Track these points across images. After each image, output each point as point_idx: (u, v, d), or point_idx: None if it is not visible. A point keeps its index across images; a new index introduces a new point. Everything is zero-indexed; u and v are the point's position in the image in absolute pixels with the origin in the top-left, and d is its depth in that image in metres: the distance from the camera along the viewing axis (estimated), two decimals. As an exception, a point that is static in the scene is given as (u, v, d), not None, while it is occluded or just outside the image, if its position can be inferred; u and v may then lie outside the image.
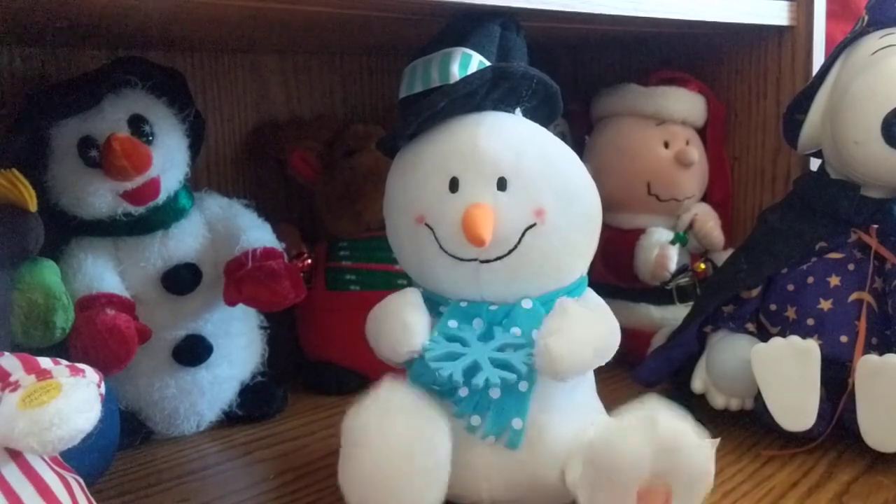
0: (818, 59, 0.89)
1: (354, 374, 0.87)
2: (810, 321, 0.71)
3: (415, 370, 0.58)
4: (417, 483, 0.53)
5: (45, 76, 0.79)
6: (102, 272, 0.71)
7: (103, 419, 0.46)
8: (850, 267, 0.71)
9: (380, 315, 0.60)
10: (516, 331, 0.57)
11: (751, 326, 0.75)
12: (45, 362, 0.47)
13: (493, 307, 0.58)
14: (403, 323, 0.58)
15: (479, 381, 0.54)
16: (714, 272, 0.91)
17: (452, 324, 0.58)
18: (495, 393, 0.56)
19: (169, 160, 0.73)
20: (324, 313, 0.88)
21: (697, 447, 0.50)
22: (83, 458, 0.52)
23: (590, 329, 0.56)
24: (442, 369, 0.54)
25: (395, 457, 0.52)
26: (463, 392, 0.57)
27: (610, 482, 0.50)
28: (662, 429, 0.49)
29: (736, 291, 0.75)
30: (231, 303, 0.73)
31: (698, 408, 0.77)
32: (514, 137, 0.58)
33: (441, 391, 0.57)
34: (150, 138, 0.72)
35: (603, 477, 0.50)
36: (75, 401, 0.44)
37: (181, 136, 0.76)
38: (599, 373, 0.62)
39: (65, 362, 0.47)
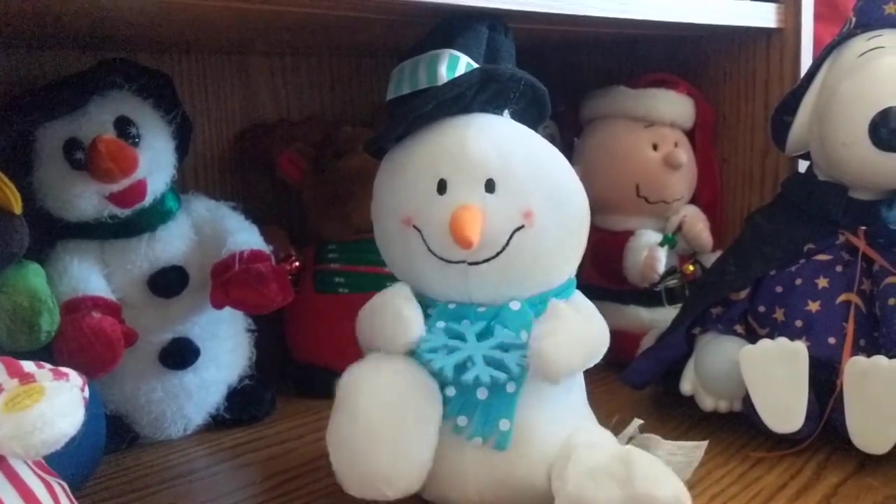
0: (806, 62, 0.89)
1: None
2: (798, 323, 0.71)
3: (427, 369, 0.57)
4: (405, 440, 0.53)
5: (30, 78, 0.78)
6: (88, 275, 0.71)
7: (88, 423, 0.46)
8: (839, 269, 0.71)
9: (373, 309, 0.60)
10: (525, 335, 0.57)
11: (739, 328, 0.75)
12: (28, 366, 0.46)
13: (481, 309, 0.58)
14: (399, 315, 0.58)
15: (468, 377, 0.54)
16: (702, 274, 0.91)
17: (441, 325, 0.58)
18: (482, 394, 0.56)
19: (155, 162, 0.73)
20: (312, 316, 0.88)
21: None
22: (68, 463, 0.51)
23: (581, 331, 0.56)
24: (433, 361, 0.55)
25: (382, 413, 0.53)
26: (450, 392, 0.57)
27: None
28: (639, 485, 0.49)
29: (724, 293, 0.75)
30: (218, 306, 0.73)
31: (687, 410, 0.77)
32: (503, 139, 0.58)
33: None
34: (137, 140, 0.72)
35: None
36: (59, 404, 0.43)
37: (168, 138, 0.75)
38: (589, 374, 0.62)
39: (48, 366, 0.47)
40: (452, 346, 0.56)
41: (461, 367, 0.55)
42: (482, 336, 0.57)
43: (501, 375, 0.55)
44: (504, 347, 0.56)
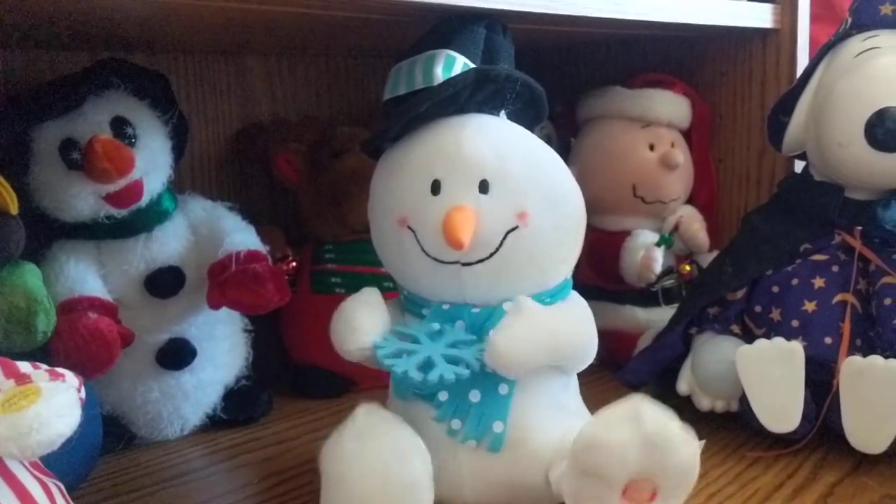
0: (802, 62, 0.89)
1: (339, 377, 0.87)
2: (795, 323, 0.71)
3: (392, 375, 0.57)
4: (402, 498, 0.53)
5: (26, 78, 0.78)
6: (85, 275, 0.71)
7: (85, 424, 0.46)
8: (835, 269, 0.71)
9: (336, 315, 0.60)
10: (460, 326, 0.57)
11: (736, 328, 0.75)
12: (24, 366, 0.46)
13: (475, 310, 0.58)
14: (349, 322, 0.58)
15: (433, 377, 0.54)
16: (699, 274, 0.91)
17: (434, 326, 0.58)
18: (475, 396, 0.57)
19: (152, 162, 0.73)
20: (309, 316, 0.88)
21: (684, 443, 0.49)
22: (64, 463, 0.51)
23: (543, 327, 0.56)
24: (395, 366, 0.55)
25: (374, 478, 0.52)
26: (443, 396, 0.57)
27: (595, 477, 0.50)
28: (649, 424, 0.49)
29: (721, 293, 0.75)
30: (215, 306, 0.73)
31: (684, 409, 0.77)
32: (498, 140, 0.58)
33: (421, 395, 0.58)
34: (133, 140, 0.71)
35: (588, 472, 0.50)
36: (55, 405, 0.43)
37: (164, 138, 0.75)
38: (584, 374, 0.62)
39: (44, 366, 0.47)
40: (409, 349, 0.56)
41: (424, 368, 0.55)
42: (433, 336, 0.57)
43: (464, 371, 0.54)
44: (459, 344, 0.56)
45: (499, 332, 0.54)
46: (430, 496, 0.54)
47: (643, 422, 0.49)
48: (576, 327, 0.59)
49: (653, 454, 0.49)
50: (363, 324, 0.58)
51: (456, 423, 0.57)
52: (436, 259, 0.57)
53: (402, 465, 0.53)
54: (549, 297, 0.58)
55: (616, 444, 0.49)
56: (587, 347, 0.59)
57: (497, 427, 0.56)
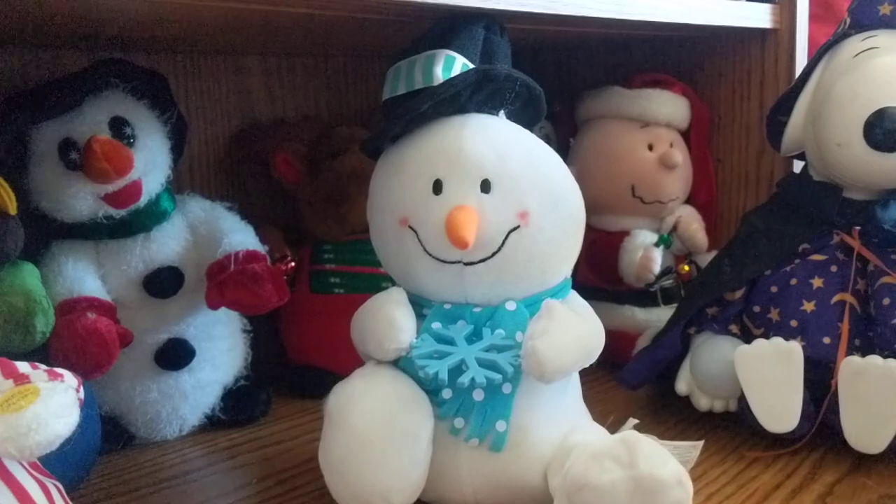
0: (801, 62, 0.89)
1: (338, 377, 0.86)
2: (793, 323, 0.71)
3: (401, 369, 0.58)
4: (398, 454, 0.53)
5: (25, 78, 0.78)
6: (83, 275, 0.71)
7: (83, 424, 0.46)
8: (833, 269, 0.71)
9: (366, 313, 0.60)
10: (500, 333, 0.57)
11: (734, 328, 0.75)
12: (23, 366, 0.46)
13: (476, 309, 0.58)
14: (390, 319, 0.58)
15: (464, 380, 0.54)
16: (698, 274, 0.91)
17: (436, 326, 0.58)
18: (479, 395, 0.56)
19: (151, 162, 0.73)
20: (308, 316, 0.88)
21: (677, 486, 0.49)
22: (63, 464, 0.51)
23: (576, 331, 0.56)
24: (428, 367, 0.54)
25: (376, 427, 0.53)
26: (447, 394, 0.57)
27: None
28: (642, 467, 0.49)
29: (719, 293, 0.75)
30: (214, 306, 0.73)
31: (682, 410, 0.77)
32: (499, 140, 0.58)
33: (426, 391, 0.57)
34: (132, 140, 0.71)
35: None
36: (54, 405, 0.43)
37: (163, 138, 0.75)
38: (584, 375, 0.62)
39: (43, 366, 0.47)
40: (444, 350, 0.56)
41: (456, 371, 0.55)
42: (471, 339, 0.57)
43: (496, 376, 0.54)
44: (496, 349, 0.56)
45: (540, 339, 0.54)
46: (428, 452, 0.55)
47: (636, 464, 0.49)
48: (597, 328, 0.59)
49: (644, 497, 0.49)
50: (403, 322, 0.58)
51: (459, 422, 0.57)
52: (438, 259, 0.57)
53: (405, 413, 0.55)
54: (550, 297, 0.58)
55: (607, 486, 0.49)
56: (601, 346, 0.59)
57: (500, 426, 0.56)
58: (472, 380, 0.54)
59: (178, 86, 0.88)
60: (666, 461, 0.50)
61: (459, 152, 0.56)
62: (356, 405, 0.55)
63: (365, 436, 0.54)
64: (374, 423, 0.54)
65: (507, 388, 0.57)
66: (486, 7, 0.61)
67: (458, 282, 0.57)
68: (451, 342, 0.57)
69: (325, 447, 0.56)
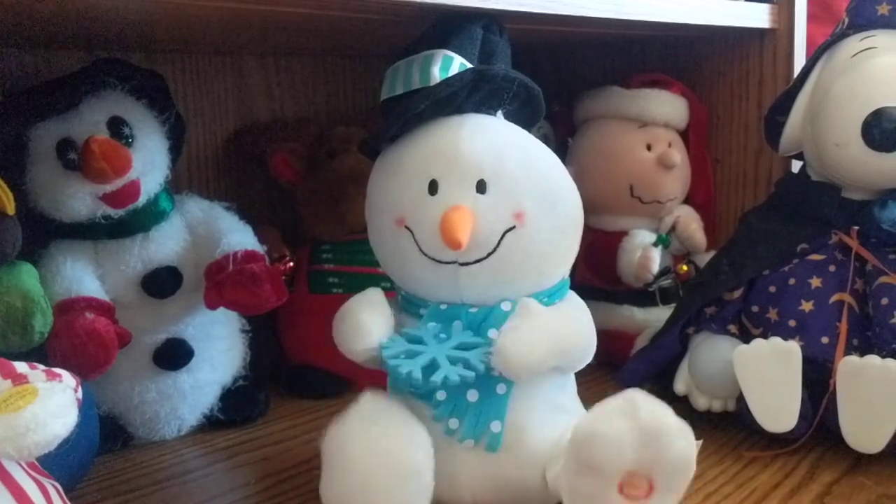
0: (799, 62, 0.89)
1: (337, 377, 0.87)
2: (792, 322, 0.71)
3: (390, 374, 0.58)
4: (400, 489, 0.53)
5: (23, 78, 0.78)
6: (82, 275, 0.71)
7: (82, 424, 0.46)
8: (832, 268, 0.71)
9: (340, 315, 0.60)
10: (494, 333, 0.56)
11: (733, 328, 0.75)
12: (21, 366, 0.46)
13: (472, 309, 0.58)
14: (357, 322, 0.58)
15: (437, 378, 0.53)
16: (696, 274, 0.91)
17: (432, 326, 0.58)
18: (473, 396, 0.56)
19: (149, 162, 0.73)
20: (306, 316, 0.88)
21: (680, 436, 0.49)
22: (61, 464, 0.51)
23: (548, 328, 0.56)
24: (400, 367, 0.54)
25: (376, 464, 0.52)
26: (441, 396, 0.57)
27: (592, 471, 0.49)
28: (645, 416, 0.49)
29: (718, 293, 0.75)
30: (212, 306, 0.73)
31: (681, 409, 0.77)
32: (496, 140, 0.57)
33: (419, 394, 0.57)
34: (130, 140, 0.71)
35: (585, 465, 0.50)
36: (52, 406, 0.43)
37: (161, 138, 0.75)
38: (581, 375, 0.62)
39: (41, 366, 0.47)
40: (414, 350, 0.56)
41: (428, 370, 0.54)
42: (440, 338, 0.57)
43: (469, 373, 0.54)
44: (465, 346, 0.56)
45: (506, 336, 0.54)
46: (431, 486, 0.54)
47: (639, 414, 0.49)
48: (578, 328, 0.59)
49: (649, 446, 0.49)
50: (370, 324, 0.58)
51: (454, 423, 0.57)
52: (433, 259, 0.57)
53: (404, 451, 0.53)
54: (546, 297, 0.58)
55: (613, 435, 0.48)
56: (589, 348, 0.59)
57: (495, 427, 0.56)
58: (445, 377, 0.54)
59: (176, 86, 0.88)
60: (669, 413, 0.50)
61: (456, 153, 0.56)
62: (356, 440, 0.53)
63: (365, 480, 0.52)
64: (376, 456, 0.53)
65: (501, 389, 0.57)
66: (484, 7, 0.61)
67: (454, 282, 0.57)
68: (420, 341, 0.57)
69: (327, 483, 0.54)
